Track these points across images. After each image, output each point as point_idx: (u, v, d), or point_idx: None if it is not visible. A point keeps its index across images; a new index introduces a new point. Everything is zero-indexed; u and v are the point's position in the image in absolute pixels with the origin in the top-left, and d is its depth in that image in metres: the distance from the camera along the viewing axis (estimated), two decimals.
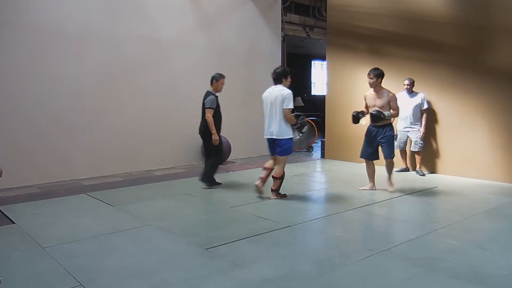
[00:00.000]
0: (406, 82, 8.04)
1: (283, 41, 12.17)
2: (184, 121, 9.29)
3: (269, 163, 6.35)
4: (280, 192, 6.26)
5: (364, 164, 9.09)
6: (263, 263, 3.88)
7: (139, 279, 3.54)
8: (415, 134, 8.02)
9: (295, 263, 3.94)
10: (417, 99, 7.97)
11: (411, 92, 8.05)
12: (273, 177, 6.20)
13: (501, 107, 7.30)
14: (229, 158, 9.70)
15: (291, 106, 5.95)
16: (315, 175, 8.53)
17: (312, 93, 20.27)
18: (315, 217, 5.44)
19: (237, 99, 10.25)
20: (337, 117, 10.03)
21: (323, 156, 10.42)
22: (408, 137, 8.17)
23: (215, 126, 6.74)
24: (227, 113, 9.99)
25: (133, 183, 7.46)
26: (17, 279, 3.60)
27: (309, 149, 11.54)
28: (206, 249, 4.23)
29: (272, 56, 11.16)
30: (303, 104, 15.94)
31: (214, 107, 6.73)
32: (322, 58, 16.79)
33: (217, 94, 6.89)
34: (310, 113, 15.20)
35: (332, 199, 6.57)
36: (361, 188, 6.77)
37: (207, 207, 5.93)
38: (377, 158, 6.67)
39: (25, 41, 7.17)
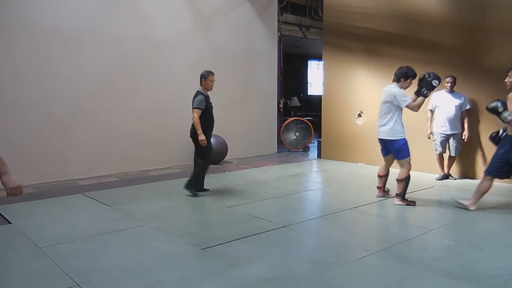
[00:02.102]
0: (449, 79, 7.35)
1: (279, 41, 12.19)
2: (180, 121, 9.25)
3: (381, 170, 6.17)
4: (407, 198, 5.86)
5: (360, 164, 9.10)
6: (259, 263, 3.88)
7: (135, 279, 3.54)
8: (457, 137, 7.42)
9: (291, 263, 3.94)
10: (459, 99, 7.35)
11: (452, 91, 7.41)
12: (396, 180, 5.86)
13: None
14: (226, 158, 9.71)
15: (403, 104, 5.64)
16: (311, 175, 8.54)
17: (309, 93, 20.31)
18: (311, 217, 5.45)
19: (233, 99, 10.26)
20: (334, 117, 10.05)
21: (319, 156, 10.43)
22: (448, 140, 7.52)
23: (203, 128, 6.29)
24: (223, 113, 10.04)
25: (129, 183, 7.45)
26: (14, 279, 3.59)
27: (305, 149, 11.55)
28: (202, 249, 4.23)
29: (269, 56, 11.17)
30: (300, 104, 15.96)
31: (202, 107, 6.27)
32: (319, 58, 16.85)
33: (207, 93, 6.50)
34: (306, 113, 15.24)
35: (328, 199, 6.59)
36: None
37: (203, 207, 5.93)
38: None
39: (20, 41, 7.14)
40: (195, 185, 6.49)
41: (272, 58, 11.29)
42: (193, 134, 6.41)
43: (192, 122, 6.38)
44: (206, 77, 6.45)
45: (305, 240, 4.68)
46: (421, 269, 3.71)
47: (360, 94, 9.45)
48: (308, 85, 20.66)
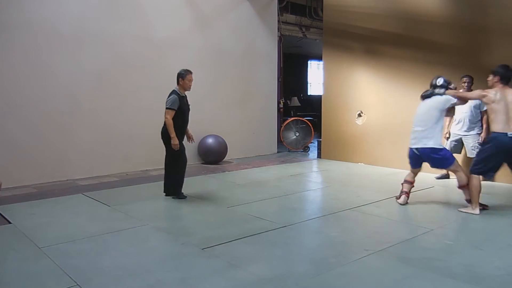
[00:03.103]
0: (465, 79, 7.09)
1: (280, 41, 12.19)
2: None
3: (411, 176, 5.94)
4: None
5: (360, 164, 9.07)
6: (259, 263, 3.89)
7: (135, 279, 3.54)
8: (473, 139, 7.13)
9: (291, 263, 3.94)
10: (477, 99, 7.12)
11: (470, 90, 6.96)
12: (459, 187, 5.61)
13: None
14: (226, 158, 9.71)
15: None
16: (311, 175, 8.53)
17: (309, 93, 20.31)
18: (311, 217, 5.45)
19: (233, 99, 10.26)
20: (334, 117, 10.05)
21: (319, 156, 10.43)
22: (462, 141, 7.31)
23: (175, 131, 5.97)
24: (223, 113, 10.06)
25: (129, 183, 7.45)
26: (13, 279, 3.59)
27: (306, 149, 11.55)
28: (202, 249, 4.23)
29: (268, 56, 11.16)
30: (300, 104, 15.96)
31: (175, 108, 5.92)
32: (319, 58, 16.84)
33: (185, 93, 6.20)
34: (306, 113, 15.24)
35: (328, 199, 6.58)
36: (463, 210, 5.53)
37: (203, 207, 5.92)
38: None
39: (20, 41, 7.14)
40: (176, 192, 6.31)
41: (272, 58, 11.29)
42: (164, 136, 6.12)
43: (164, 122, 6.10)
44: (184, 76, 6.06)
45: (305, 240, 4.68)
46: (421, 269, 3.71)
47: (360, 94, 9.45)
48: (308, 85, 20.66)
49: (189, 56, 9.36)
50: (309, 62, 20.37)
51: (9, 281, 3.55)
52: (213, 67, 9.79)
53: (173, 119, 5.95)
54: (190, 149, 9.47)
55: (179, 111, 5.99)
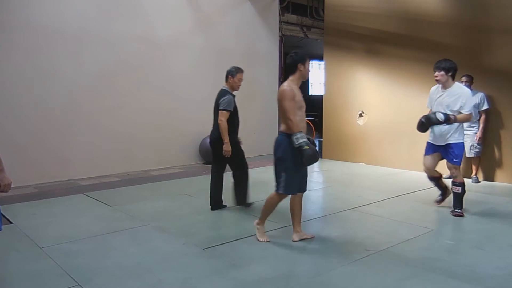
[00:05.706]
0: (464, 78, 7.01)
1: (281, 41, 12.18)
2: (181, 121, 9.27)
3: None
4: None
5: (362, 164, 9.02)
6: (261, 263, 3.89)
7: (136, 279, 3.54)
8: (471, 138, 7.12)
9: (292, 263, 3.95)
10: (475, 98, 6.89)
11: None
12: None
13: (498, 108, 7.31)
14: None
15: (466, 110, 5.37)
16: (312, 175, 8.52)
17: (310, 93, 20.28)
18: (312, 217, 5.45)
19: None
20: (335, 117, 10.04)
21: (320, 156, 10.42)
22: None
23: (230, 133, 5.42)
24: None
25: (130, 183, 7.45)
26: (15, 279, 3.60)
27: None
28: (204, 249, 4.23)
29: (270, 56, 11.17)
30: None
31: (231, 109, 5.39)
32: (320, 58, 16.80)
33: (234, 92, 5.70)
34: (307, 113, 15.22)
35: (329, 199, 6.58)
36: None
37: (205, 207, 5.91)
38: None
39: (22, 41, 7.15)
40: (244, 198, 5.66)
41: (273, 58, 11.29)
42: (215, 141, 5.53)
43: (212, 126, 5.61)
44: (234, 74, 5.55)
45: (306, 240, 4.67)
46: (422, 269, 3.71)
47: (361, 94, 9.44)
48: (309, 85, 20.64)
49: (190, 56, 9.38)
50: (310, 62, 20.34)
51: (10, 281, 3.56)
52: (214, 67, 9.77)
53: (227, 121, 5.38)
54: (191, 149, 9.50)
55: (234, 112, 5.47)
